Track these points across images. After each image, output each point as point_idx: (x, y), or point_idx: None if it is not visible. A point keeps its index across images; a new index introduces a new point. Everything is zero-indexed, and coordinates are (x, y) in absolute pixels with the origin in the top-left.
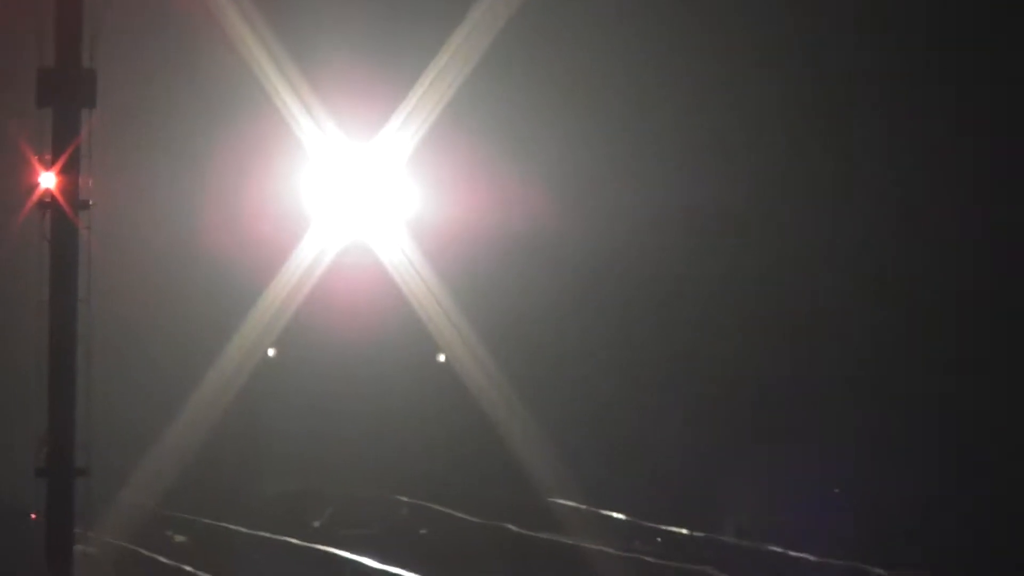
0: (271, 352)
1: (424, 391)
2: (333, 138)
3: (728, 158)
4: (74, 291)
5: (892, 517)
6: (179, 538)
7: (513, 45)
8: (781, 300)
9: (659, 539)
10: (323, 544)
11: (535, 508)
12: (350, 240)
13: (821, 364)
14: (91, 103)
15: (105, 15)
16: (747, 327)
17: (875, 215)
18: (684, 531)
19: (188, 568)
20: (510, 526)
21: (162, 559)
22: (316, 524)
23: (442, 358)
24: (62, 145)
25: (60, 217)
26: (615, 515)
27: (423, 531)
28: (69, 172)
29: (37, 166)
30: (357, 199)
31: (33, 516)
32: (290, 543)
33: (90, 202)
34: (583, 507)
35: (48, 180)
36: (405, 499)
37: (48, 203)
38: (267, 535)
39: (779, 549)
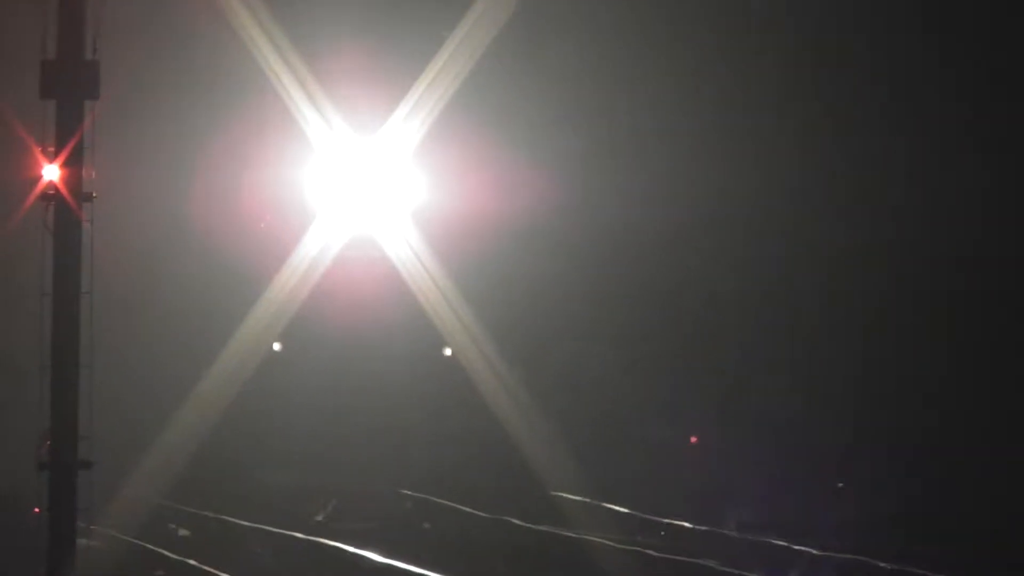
0: (276, 346)
1: (430, 385)
2: (338, 129)
3: (736, 149)
4: (77, 284)
5: (898, 509)
6: (183, 531)
7: (520, 35)
8: (789, 295)
9: (663, 532)
10: (326, 538)
11: (540, 502)
12: (355, 233)
13: (828, 357)
14: (94, 95)
15: (107, 6)
16: (755, 321)
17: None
18: (687, 524)
19: (192, 562)
20: (514, 520)
21: (165, 552)
22: (319, 518)
23: (448, 352)
24: (65, 137)
25: (63, 209)
26: (619, 509)
27: (427, 525)
28: (72, 164)
29: (40, 158)
30: (362, 191)
31: (36, 511)
32: (293, 537)
33: (93, 194)
34: (589, 501)
35: (51, 172)
36: (409, 493)
37: (51, 195)
38: (270, 529)
39: (782, 543)
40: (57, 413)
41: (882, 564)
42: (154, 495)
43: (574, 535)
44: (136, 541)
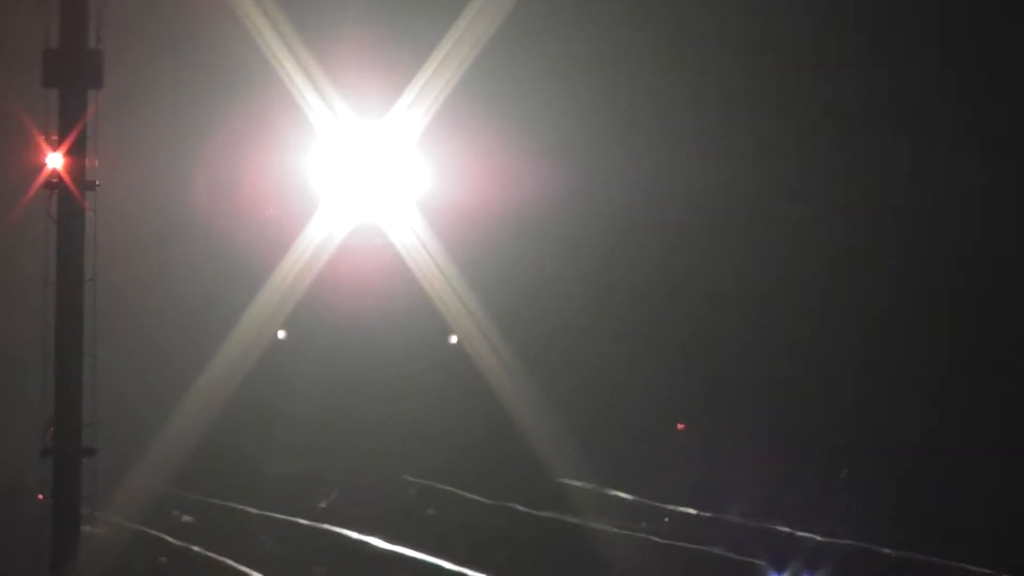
0: (280, 334)
1: (434, 372)
2: (342, 116)
3: (738, 148)
4: (80, 272)
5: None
6: (186, 518)
7: (526, 23)
8: (791, 289)
9: (667, 519)
10: (330, 524)
11: (544, 488)
12: (360, 220)
13: (827, 357)
14: (97, 84)
15: None
16: (757, 314)
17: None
18: (692, 511)
19: (195, 548)
20: (518, 506)
21: (169, 539)
22: (323, 504)
23: (454, 339)
24: (68, 126)
25: (67, 198)
26: (623, 495)
27: (430, 511)
28: (76, 153)
29: (44, 147)
30: (367, 178)
31: (40, 497)
32: (297, 523)
33: (96, 183)
34: (592, 487)
35: (55, 161)
36: (413, 480)
37: (55, 184)
38: (274, 515)
39: (786, 529)
40: (61, 401)
41: (886, 551)
42: (158, 482)
43: (578, 521)
44: (140, 528)
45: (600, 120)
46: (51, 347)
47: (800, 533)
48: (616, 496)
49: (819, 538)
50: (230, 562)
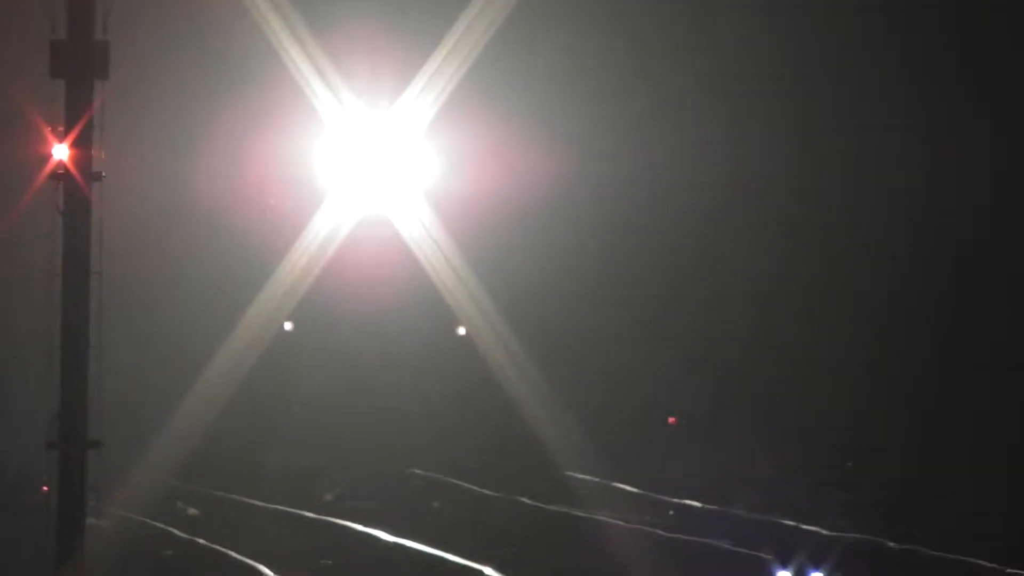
0: (287, 326)
1: (443, 364)
2: (350, 107)
3: (750, 129)
4: (87, 263)
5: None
6: (191, 511)
7: (536, 13)
8: (805, 279)
9: (671, 512)
10: (335, 517)
11: (551, 482)
12: (368, 211)
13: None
14: (104, 75)
15: None
16: (770, 305)
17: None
18: (697, 504)
19: (200, 540)
20: (524, 499)
21: (174, 531)
22: (329, 497)
23: (462, 331)
24: (75, 117)
25: (73, 189)
26: (629, 489)
27: (436, 504)
28: (82, 144)
29: (50, 138)
30: (374, 169)
31: (45, 489)
32: (303, 516)
33: (103, 174)
34: (599, 481)
35: (61, 152)
36: (419, 473)
37: (61, 175)
38: (279, 508)
39: (791, 523)
40: (67, 393)
41: (891, 544)
42: (163, 475)
43: (584, 514)
44: (146, 520)
45: (609, 110)
46: (57, 340)
47: (805, 527)
48: (622, 489)
49: (825, 532)
50: (235, 555)
